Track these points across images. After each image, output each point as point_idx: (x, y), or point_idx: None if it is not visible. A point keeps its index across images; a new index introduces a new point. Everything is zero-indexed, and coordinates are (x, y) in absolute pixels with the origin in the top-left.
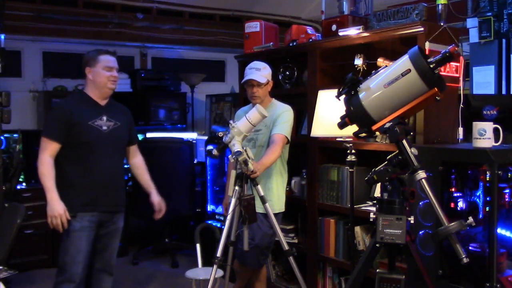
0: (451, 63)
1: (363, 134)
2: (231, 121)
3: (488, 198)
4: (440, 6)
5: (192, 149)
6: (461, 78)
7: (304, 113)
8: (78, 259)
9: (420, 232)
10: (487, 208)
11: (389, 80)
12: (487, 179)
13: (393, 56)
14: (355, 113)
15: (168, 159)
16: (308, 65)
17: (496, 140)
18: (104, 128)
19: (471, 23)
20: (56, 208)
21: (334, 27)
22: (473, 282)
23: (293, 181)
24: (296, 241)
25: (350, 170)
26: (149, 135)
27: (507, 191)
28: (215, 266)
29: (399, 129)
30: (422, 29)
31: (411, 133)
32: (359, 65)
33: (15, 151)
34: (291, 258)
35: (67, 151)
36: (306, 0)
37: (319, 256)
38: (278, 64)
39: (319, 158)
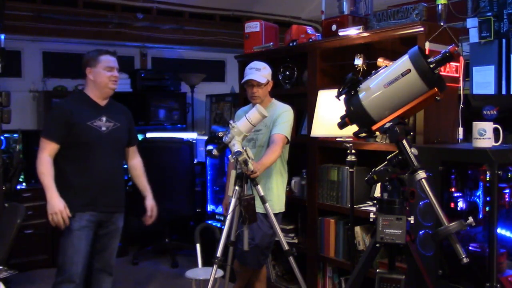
0: (451, 63)
1: (363, 134)
2: (231, 121)
3: (488, 198)
4: (440, 6)
5: (192, 149)
6: (461, 78)
7: (304, 113)
8: (77, 259)
9: (420, 232)
10: (487, 208)
11: (389, 80)
12: (487, 179)
13: (393, 56)
14: (355, 113)
15: (168, 159)
16: (308, 65)
17: (496, 140)
18: (104, 128)
19: (471, 23)
20: (56, 204)
21: (334, 27)
22: (473, 282)
23: (293, 181)
24: (296, 241)
25: (350, 170)
26: (149, 135)
27: (507, 191)
28: (215, 266)
29: (399, 129)
30: (422, 29)
31: (411, 133)
32: (359, 65)
33: (15, 151)
34: (291, 258)
35: (66, 151)
36: (306, 0)
37: (319, 256)
38: (278, 64)
39: (319, 158)
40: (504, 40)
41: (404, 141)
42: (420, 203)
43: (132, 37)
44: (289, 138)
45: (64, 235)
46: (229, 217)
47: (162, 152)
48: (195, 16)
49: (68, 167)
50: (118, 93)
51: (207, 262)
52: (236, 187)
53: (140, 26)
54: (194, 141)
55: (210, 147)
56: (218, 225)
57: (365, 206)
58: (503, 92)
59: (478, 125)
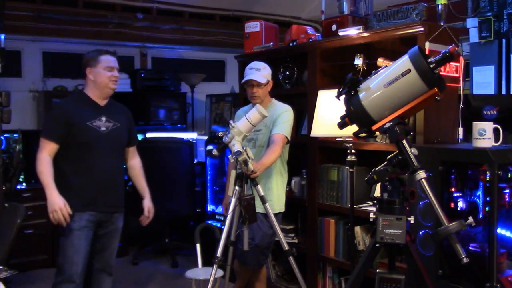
0: (451, 63)
1: (363, 134)
2: (231, 121)
3: (488, 198)
4: (440, 6)
5: (192, 149)
6: (461, 78)
7: (304, 113)
8: (77, 259)
9: (420, 232)
10: (487, 208)
11: (389, 80)
12: (487, 179)
13: (393, 56)
14: (355, 113)
15: (168, 159)
16: (308, 65)
17: (496, 140)
18: (103, 128)
19: (471, 23)
20: (56, 202)
21: (334, 27)
22: (473, 282)
23: (293, 181)
24: (296, 241)
25: (350, 170)
26: (149, 135)
27: (507, 191)
28: (215, 266)
29: (399, 129)
30: (422, 29)
31: (411, 133)
32: (359, 65)
33: (15, 151)
34: (291, 258)
35: (65, 151)
36: (306, 0)
37: (319, 256)
38: (278, 64)
39: (319, 158)
40: (504, 40)
41: (404, 141)
42: (420, 203)
43: (132, 37)
44: (289, 138)
45: (64, 235)
46: (229, 217)
47: (162, 152)
48: (195, 16)
49: (67, 167)
50: (118, 93)
51: (207, 262)
52: (236, 187)
53: (140, 26)
54: (194, 141)
55: (210, 147)
56: (218, 225)
57: (365, 206)
58: (503, 92)
59: (478, 125)
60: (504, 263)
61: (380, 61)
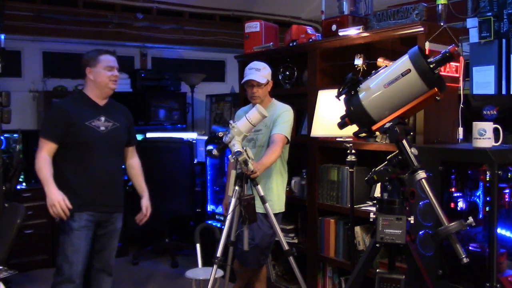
0: (451, 63)
1: (363, 134)
2: (231, 121)
3: (488, 198)
4: (440, 6)
5: (192, 149)
6: (461, 78)
7: (304, 113)
8: (76, 259)
9: (420, 232)
10: (487, 208)
11: (389, 80)
12: (487, 179)
13: (393, 56)
14: (355, 113)
15: (168, 159)
16: (308, 65)
17: (496, 140)
18: (102, 128)
19: (471, 23)
20: (55, 196)
21: (334, 27)
22: (473, 282)
23: (293, 181)
24: (296, 241)
25: (350, 170)
26: (149, 135)
27: (507, 191)
28: (215, 266)
29: (399, 129)
30: (422, 29)
31: (411, 133)
32: (359, 65)
33: (15, 151)
34: (291, 258)
35: (64, 151)
36: (306, 0)
37: (319, 256)
38: (278, 64)
39: (319, 158)
40: (504, 40)
41: (404, 141)
42: (420, 203)
43: (132, 37)
44: (289, 138)
45: (63, 235)
46: (229, 217)
47: (162, 152)
48: (195, 16)
49: (67, 167)
50: (118, 93)
51: (207, 262)
52: (236, 187)
53: (140, 26)
54: (194, 141)
55: (210, 147)
56: (218, 225)
57: (365, 206)
58: (503, 92)
59: (478, 125)
60: (504, 263)
61: (380, 61)
